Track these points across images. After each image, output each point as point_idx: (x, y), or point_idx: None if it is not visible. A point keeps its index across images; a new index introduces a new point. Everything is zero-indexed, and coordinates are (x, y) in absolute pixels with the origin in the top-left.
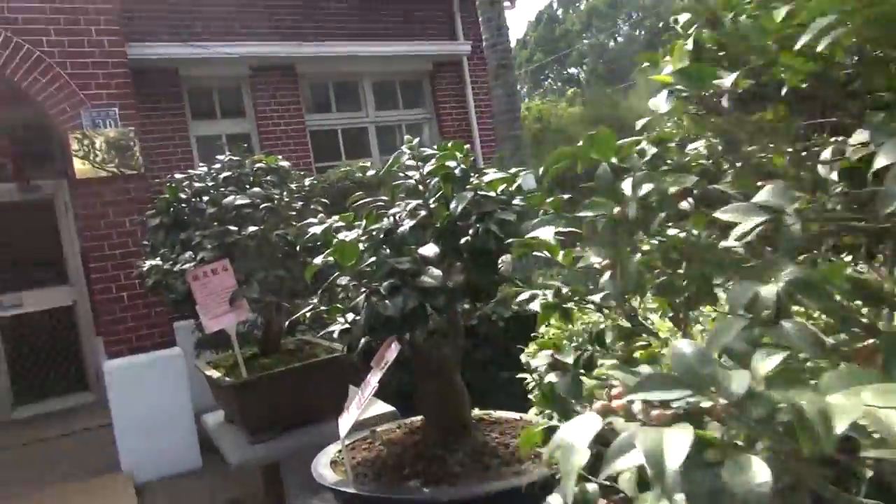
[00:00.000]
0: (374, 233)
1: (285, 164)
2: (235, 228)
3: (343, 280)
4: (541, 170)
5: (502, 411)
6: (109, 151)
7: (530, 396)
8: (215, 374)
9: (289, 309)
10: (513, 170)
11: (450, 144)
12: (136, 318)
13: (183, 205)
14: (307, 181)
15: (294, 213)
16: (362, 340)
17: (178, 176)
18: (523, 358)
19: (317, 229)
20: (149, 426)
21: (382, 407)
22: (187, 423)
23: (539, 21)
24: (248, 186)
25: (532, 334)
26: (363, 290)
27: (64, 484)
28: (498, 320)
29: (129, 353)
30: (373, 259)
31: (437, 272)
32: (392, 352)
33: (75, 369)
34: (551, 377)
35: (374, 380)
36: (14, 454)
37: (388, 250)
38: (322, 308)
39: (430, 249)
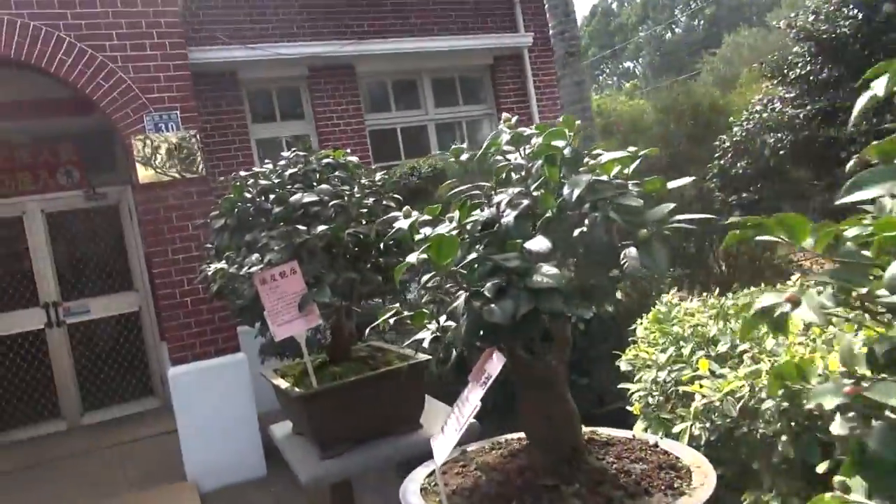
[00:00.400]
0: (468, 226)
1: (353, 158)
2: (304, 228)
3: (429, 281)
4: (877, 84)
5: (610, 428)
6: (171, 156)
7: (629, 408)
8: (283, 383)
9: (358, 313)
10: (630, 148)
11: (560, 119)
12: (199, 323)
13: (248, 205)
14: (378, 176)
15: (365, 210)
16: (456, 351)
17: (242, 174)
18: (622, 365)
19: (403, 224)
20: (213, 433)
21: None
22: (252, 430)
23: (593, 15)
24: (315, 183)
25: (630, 338)
26: (458, 291)
27: (130, 492)
28: (578, 321)
29: (194, 358)
30: (472, 256)
31: (553, 270)
32: (495, 364)
33: (141, 375)
34: (856, 429)
35: (473, 397)
36: (83, 460)
37: (484, 246)
38: (406, 313)
39: (540, 243)
